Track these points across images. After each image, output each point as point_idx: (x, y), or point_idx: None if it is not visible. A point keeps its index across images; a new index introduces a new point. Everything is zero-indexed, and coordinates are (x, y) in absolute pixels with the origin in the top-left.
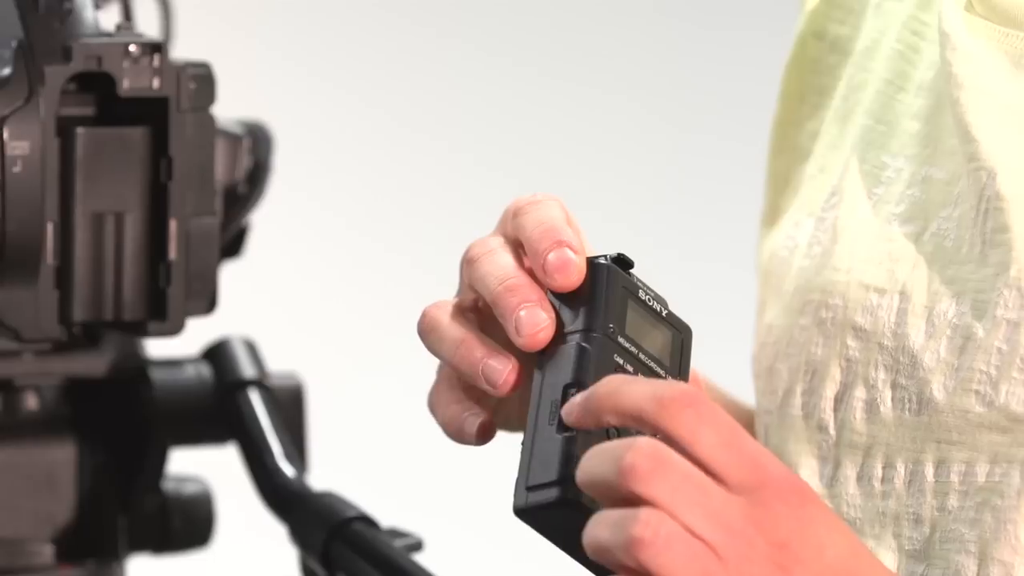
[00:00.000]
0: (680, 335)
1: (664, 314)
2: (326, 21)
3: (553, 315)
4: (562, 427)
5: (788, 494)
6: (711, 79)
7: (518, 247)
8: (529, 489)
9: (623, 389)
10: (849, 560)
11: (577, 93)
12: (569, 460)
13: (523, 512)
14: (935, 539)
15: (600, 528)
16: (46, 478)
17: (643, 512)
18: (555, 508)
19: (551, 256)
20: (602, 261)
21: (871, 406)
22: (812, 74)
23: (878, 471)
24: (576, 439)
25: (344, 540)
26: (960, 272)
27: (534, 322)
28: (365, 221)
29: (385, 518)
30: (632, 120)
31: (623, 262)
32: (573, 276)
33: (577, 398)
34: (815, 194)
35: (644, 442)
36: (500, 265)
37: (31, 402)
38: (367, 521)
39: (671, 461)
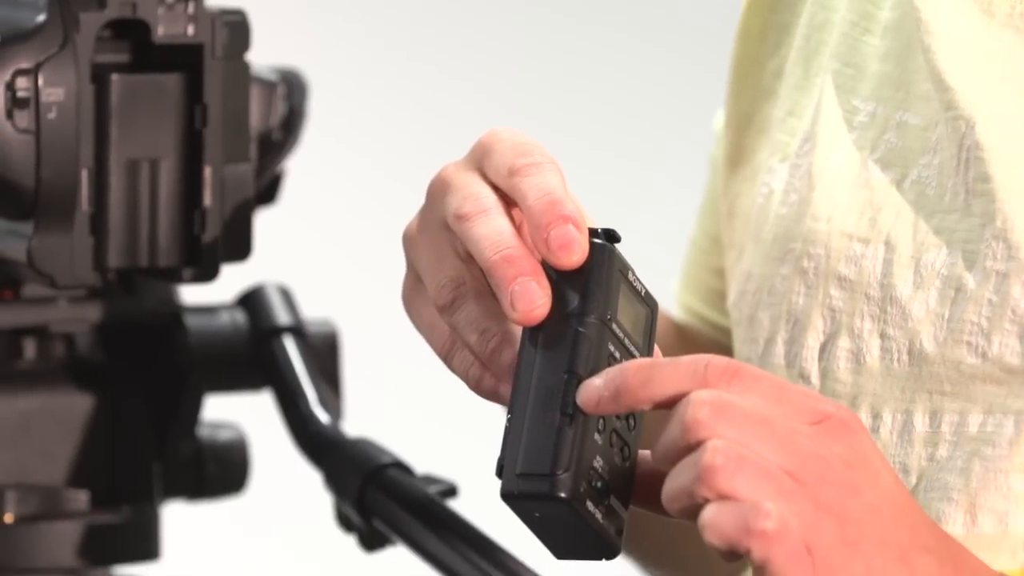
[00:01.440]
0: (651, 312)
1: (643, 293)
2: None
3: (549, 291)
4: (563, 417)
5: (845, 423)
6: (710, 75)
7: (508, 203)
8: (520, 476)
9: (656, 376)
10: (898, 490)
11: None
12: (567, 451)
13: (511, 498)
14: (919, 488)
15: (672, 478)
16: (81, 425)
17: (710, 443)
18: (546, 500)
19: (554, 232)
20: (600, 241)
21: (856, 356)
22: (772, 12)
23: (865, 421)
24: (574, 429)
25: (379, 486)
26: (945, 221)
27: (531, 299)
28: (400, 168)
29: (419, 464)
30: (656, 111)
31: (614, 237)
32: (576, 255)
33: (598, 385)
34: (786, 138)
35: (700, 394)
36: (496, 230)
37: (66, 349)
38: (401, 467)
39: (730, 403)
